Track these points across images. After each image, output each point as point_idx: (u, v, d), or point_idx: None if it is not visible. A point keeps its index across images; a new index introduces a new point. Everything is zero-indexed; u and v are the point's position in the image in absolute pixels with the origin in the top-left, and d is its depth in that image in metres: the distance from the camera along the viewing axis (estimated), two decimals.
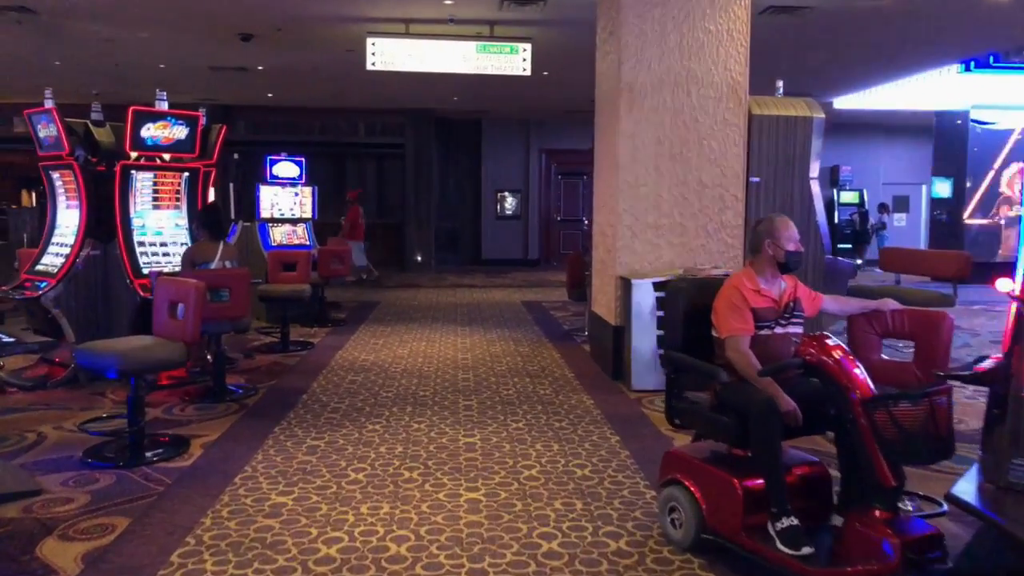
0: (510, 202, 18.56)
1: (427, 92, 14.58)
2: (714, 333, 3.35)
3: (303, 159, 9.95)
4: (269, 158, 9.66)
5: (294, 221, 9.74)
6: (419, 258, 16.75)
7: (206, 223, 5.79)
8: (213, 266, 5.67)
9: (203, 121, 6.87)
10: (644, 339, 5.85)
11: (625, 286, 6.06)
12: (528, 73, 9.57)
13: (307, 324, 9.10)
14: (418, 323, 9.38)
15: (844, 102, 14.35)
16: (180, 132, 6.26)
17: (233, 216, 9.50)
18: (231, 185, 9.51)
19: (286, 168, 9.68)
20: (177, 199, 6.43)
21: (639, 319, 5.84)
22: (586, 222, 18.41)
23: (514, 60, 9.42)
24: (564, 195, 19.06)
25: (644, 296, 5.82)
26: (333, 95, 15.00)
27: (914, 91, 12.76)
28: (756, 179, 6.29)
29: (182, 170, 6.43)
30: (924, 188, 18.99)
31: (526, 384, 6.16)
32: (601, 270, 6.79)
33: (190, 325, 4.37)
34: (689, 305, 3.48)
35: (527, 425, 4.99)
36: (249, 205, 9.42)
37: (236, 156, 9.89)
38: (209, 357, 5.96)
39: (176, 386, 5.98)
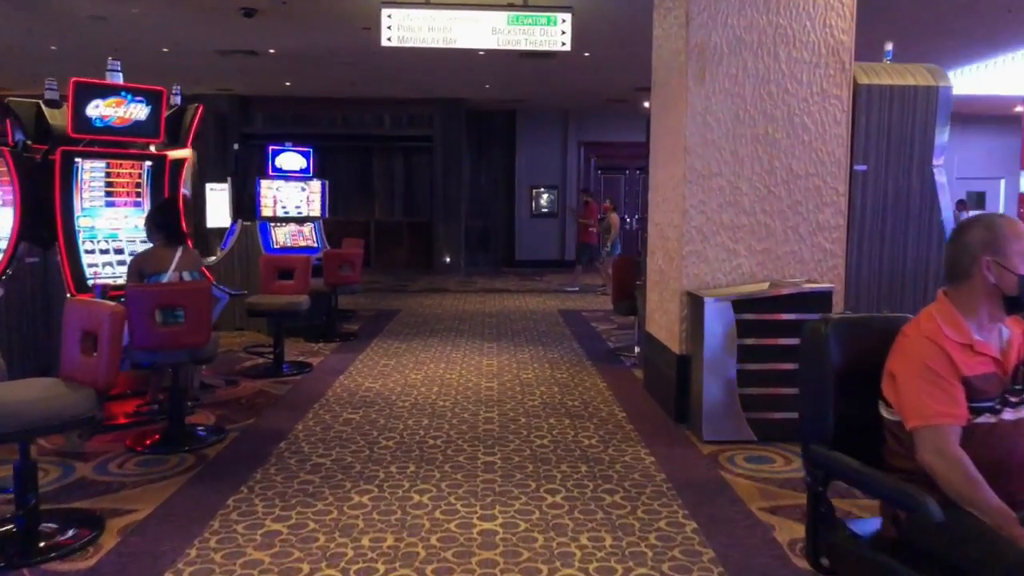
0: (546, 199, 17.25)
1: (456, 79, 13.34)
2: (887, 414, 2.00)
3: (310, 149, 8.76)
4: (271, 148, 8.49)
5: (300, 220, 8.55)
6: (447, 259, 15.52)
7: (159, 224, 4.57)
8: (167, 278, 4.47)
9: (176, 100, 5.71)
10: (719, 374, 4.50)
11: (694, 305, 4.72)
12: (567, 48, 8.24)
13: (312, 339, 7.90)
14: (439, 338, 8.12)
15: None
16: (139, 111, 5.07)
17: (232, 215, 8.32)
18: (229, 179, 8.35)
19: (291, 160, 8.50)
20: (138, 194, 5.25)
21: (713, 348, 4.50)
22: (619, 217, 17.16)
23: (552, 33, 8.10)
24: (604, 191, 17.67)
25: (720, 318, 4.48)
26: (354, 84, 13.84)
27: (1003, 74, 11.14)
28: (862, 167, 4.90)
29: (143, 158, 5.25)
30: (1003, 183, 17.22)
31: (565, 428, 4.85)
32: (660, 282, 5.45)
33: (103, 365, 3.15)
34: (844, 360, 2.13)
35: (567, 499, 3.68)
36: (251, 201, 8.23)
37: (236, 147, 8.69)
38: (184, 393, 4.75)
39: (130, 426, 4.80)
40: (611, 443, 4.54)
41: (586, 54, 11.07)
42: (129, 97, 5.00)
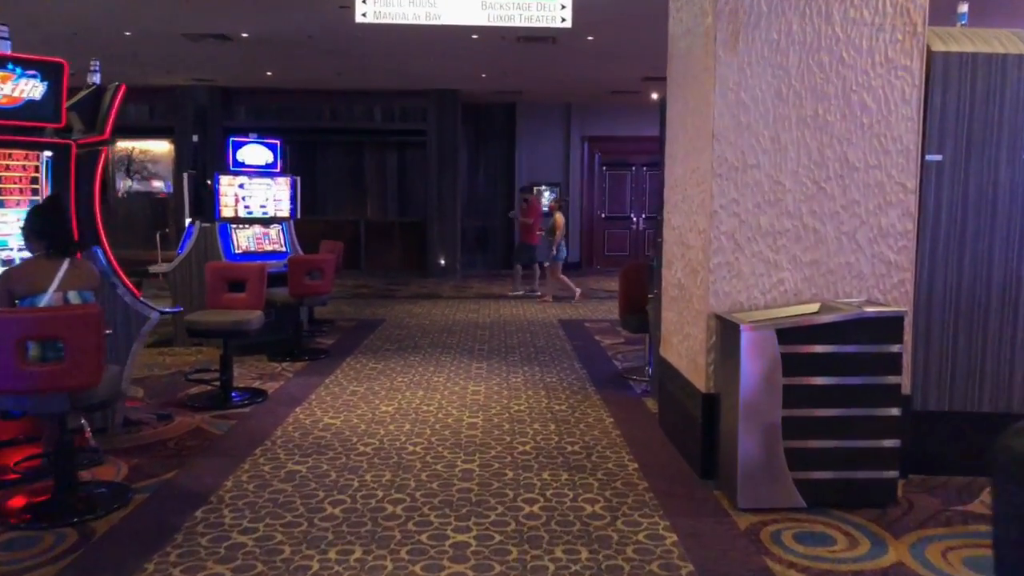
0: (548, 197, 16.22)
1: (449, 69, 12.35)
2: None
3: (278, 142, 7.77)
4: (232, 140, 7.51)
5: (266, 221, 7.57)
6: (442, 261, 14.53)
7: (39, 230, 3.57)
8: (46, 300, 3.48)
9: (95, 80, 4.73)
10: (759, 421, 3.51)
11: (726, 332, 3.72)
12: (567, 24, 7.25)
13: (276, 357, 6.92)
14: (422, 355, 7.13)
15: None
16: (33, 89, 4.09)
17: (189, 215, 7.35)
18: (185, 175, 7.38)
19: (255, 153, 7.52)
20: (34, 191, 4.26)
21: (751, 387, 3.50)
22: (630, 218, 16.10)
23: (550, 7, 7.11)
24: (610, 189, 16.71)
25: (760, 351, 3.48)
26: (341, 74, 12.86)
27: None
28: (936, 156, 3.89)
29: (39, 147, 4.26)
30: None
31: (562, 487, 3.85)
32: (679, 300, 4.45)
33: None
34: None
35: None
36: (210, 199, 7.26)
37: (195, 138, 7.72)
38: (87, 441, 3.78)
39: (18, 482, 3.82)
40: (620, 511, 3.54)
41: (589, 38, 10.07)
42: (19, 71, 4.01)
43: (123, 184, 16.48)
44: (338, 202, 16.55)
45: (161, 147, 15.59)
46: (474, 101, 15.50)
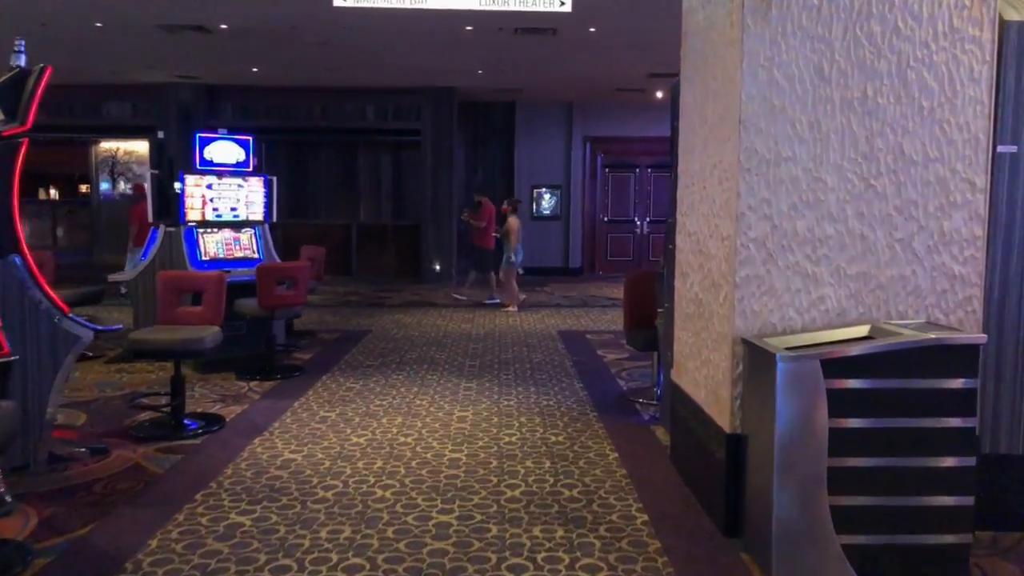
0: (548, 200, 15.61)
1: (443, 64, 11.71)
2: None
3: (250, 138, 7.10)
4: (199, 136, 6.85)
5: (236, 225, 6.91)
6: (437, 267, 13.88)
7: None
8: None
9: (19, 62, 4.08)
10: (799, 472, 2.84)
11: (757, 361, 3.05)
12: (567, 8, 6.61)
13: (245, 375, 6.27)
14: (406, 373, 6.46)
15: None
16: None
17: (153, 219, 6.69)
18: (148, 175, 6.73)
19: (225, 150, 6.86)
20: None
21: (789, 430, 2.83)
22: (634, 222, 15.42)
23: None
24: (613, 192, 16.06)
25: (801, 386, 2.81)
26: (331, 70, 12.22)
27: None
28: (1010, 147, 3.22)
29: None
30: None
31: (556, 547, 3.18)
32: (696, 318, 3.79)
33: None
34: None
35: None
36: (175, 201, 6.59)
37: (161, 134, 7.07)
38: None
39: None
40: None
41: (591, 29, 9.42)
42: None
43: (118, 186, 15.92)
44: (330, 205, 15.91)
45: (147, 148, 14.98)
46: (471, 99, 14.88)
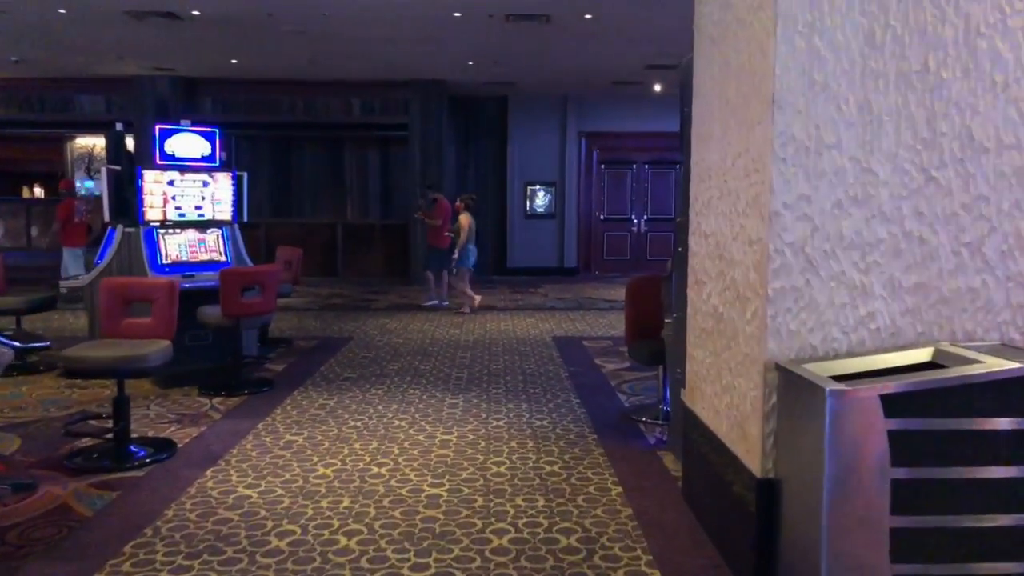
0: (542, 197, 15.05)
1: (431, 55, 11.13)
2: None
3: (216, 130, 6.51)
4: (159, 127, 6.26)
5: (202, 225, 6.32)
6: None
7: None
8: None
9: None
10: (854, 529, 2.28)
11: (795, 392, 2.49)
12: None
13: (210, 390, 5.70)
14: (386, 388, 5.89)
15: None
16: None
17: (110, 218, 6.10)
18: (104, 171, 6.13)
19: (188, 143, 6.27)
20: None
21: (841, 479, 2.27)
22: (631, 220, 14.90)
23: None
24: (609, 189, 15.52)
25: (857, 425, 2.25)
26: (313, 61, 11.62)
27: None
28: None
29: None
30: None
31: None
32: (716, 336, 3.22)
33: None
34: None
35: None
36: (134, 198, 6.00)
37: (119, 126, 6.47)
38: None
39: None
40: None
41: (587, 16, 8.87)
42: None
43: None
44: (315, 203, 15.34)
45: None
46: (462, 93, 14.31)
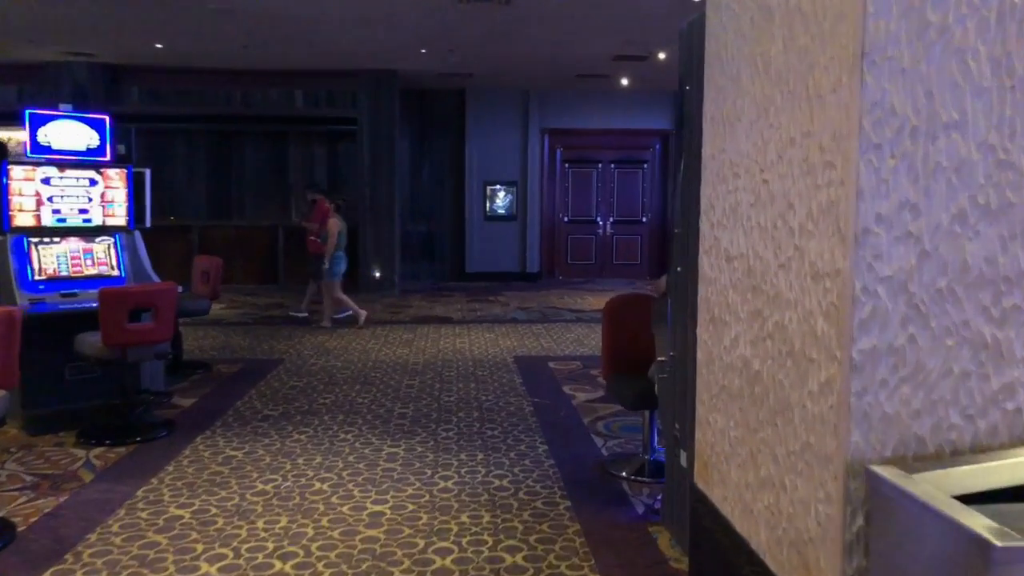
0: (503, 198, 14.08)
1: (378, 41, 10.07)
2: None
3: (106, 118, 5.40)
4: (29, 113, 5.13)
5: (88, 232, 5.20)
6: (377, 274, 12.22)
7: None
8: None
9: None
10: None
11: (905, 518, 1.54)
12: None
13: (90, 437, 4.60)
14: (311, 431, 4.85)
15: None
16: None
17: None
18: None
19: (70, 133, 5.16)
20: None
21: None
22: (596, 222, 14.10)
23: None
24: (573, 189, 14.60)
25: None
26: (248, 47, 10.47)
27: None
28: None
29: None
30: None
31: None
32: (748, 403, 2.26)
33: None
34: None
35: None
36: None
37: None
38: None
39: None
40: None
41: None
42: None
43: None
44: (257, 204, 14.15)
45: None
46: (416, 86, 13.26)
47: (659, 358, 3.50)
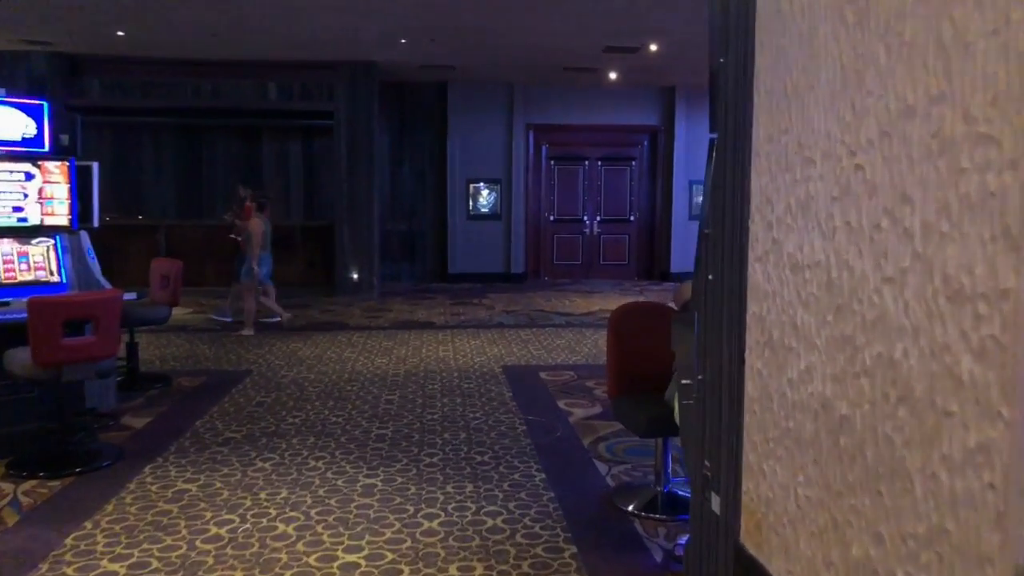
0: (487, 196, 13.54)
1: (356, 30, 9.50)
2: None
3: (43, 103, 4.79)
4: None
5: (23, 233, 4.60)
6: (355, 275, 11.64)
7: None
8: None
9: None
10: None
11: None
12: None
13: (23, 468, 4.01)
14: (277, 457, 4.29)
15: None
16: None
17: None
18: None
19: (0, 120, 4.55)
20: None
21: None
22: (583, 221, 13.72)
23: None
24: (559, 187, 14.09)
25: None
26: (217, 35, 9.85)
27: None
28: None
29: None
30: None
31: None
32: (829, 458, 1.74)
33: None
34: None
35: None
36: None
37: None
38: None
39: None
40: None
41: None
42: None
43: None
44: (230, 202, 13.46)
45: None
46: (396, 79, 12.68)
47: (683, 381, 2.98)
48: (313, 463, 4.19)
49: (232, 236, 8.62)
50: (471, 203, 13.52)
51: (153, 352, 7.12)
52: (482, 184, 13.51)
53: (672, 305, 3.62)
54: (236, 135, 13.24)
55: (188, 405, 5.39)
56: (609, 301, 11.03)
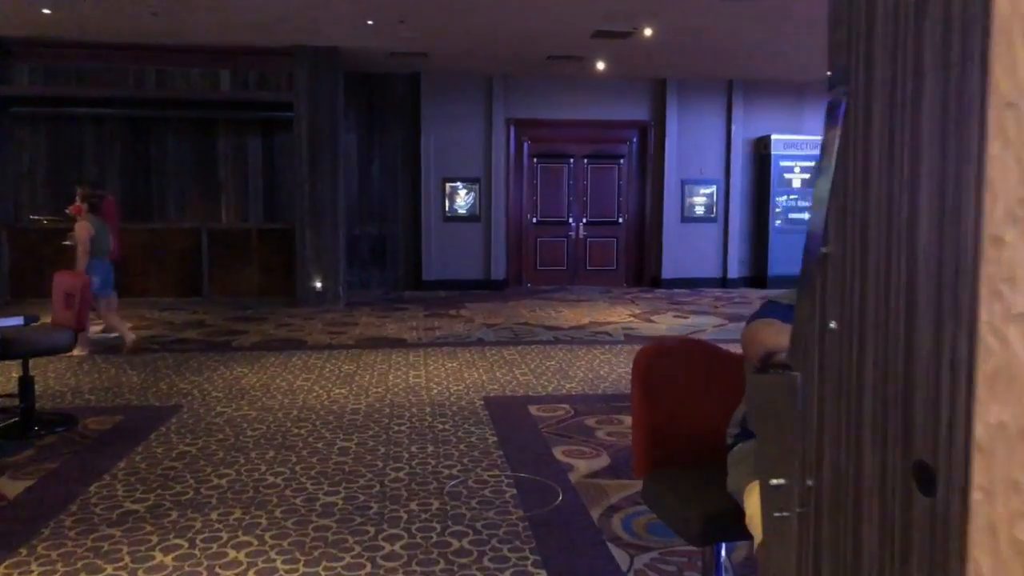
0: (464, 197, 12.49)
1: (318, 9, 8.39)
2: None
3: None
4: None
5: None
6: (318, 284, 10.50)
7: None
8: None
9: None
10: None
11: None
12: None
13: None
14: (185, 545, 3.18)
15: None
16: None
17: None
18: None
19: None
20: None
21: None
22: (568, 223, 12.84)
23: None
24: (543, 186, 13.07)
25: None
26: (158, 14, 8.68)
27: None
28: None
29: None
30: None
31: None
32: None
33: None
34: None
35: None
36: None
37: None
38: None
39: None
40: None
41: None
42: None
43: None
44: (184, 203, 12.27)
45: None
46: (364, 69, 11.58)
47: (772, 481, 1.92)
48: (232, 554, 3.09)
49: (66, 243, 7.27)
50: (447, 204, 12.46)
51: (66, 382, 5.97)
52: (459, 184, 12.45)
53: (741, 352, 2.55)
54: (188, 129, 12.02)
55: (88, 459, 4.26)
56: (599, 312, 10.00)
